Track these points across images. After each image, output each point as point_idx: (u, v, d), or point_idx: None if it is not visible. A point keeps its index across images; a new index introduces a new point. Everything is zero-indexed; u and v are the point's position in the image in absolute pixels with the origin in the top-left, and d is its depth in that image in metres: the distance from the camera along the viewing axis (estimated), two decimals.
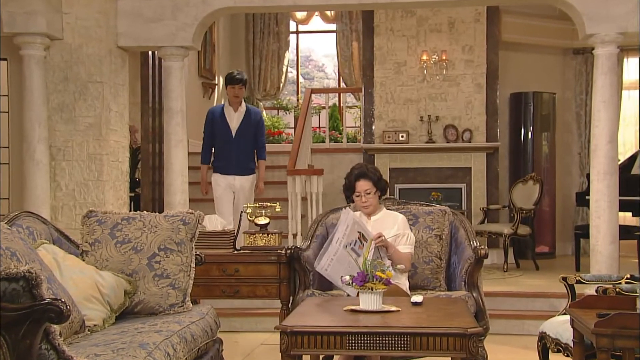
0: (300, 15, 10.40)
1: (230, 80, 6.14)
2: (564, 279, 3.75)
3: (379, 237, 3.80)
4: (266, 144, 6.39)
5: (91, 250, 3.44)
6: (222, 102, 6.09)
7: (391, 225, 3.98)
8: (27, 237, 3.21)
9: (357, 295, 3.27)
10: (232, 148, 6.12)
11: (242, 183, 6.16)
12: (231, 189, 6.17)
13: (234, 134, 6.13)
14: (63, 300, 2.21)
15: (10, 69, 5.33)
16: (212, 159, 6.26)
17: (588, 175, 5.82)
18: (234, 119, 6.16)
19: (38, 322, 2.18)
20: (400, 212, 4.17)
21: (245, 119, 6.16)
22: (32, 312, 2.16)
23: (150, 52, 6.65)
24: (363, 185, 3.99)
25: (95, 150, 5.32)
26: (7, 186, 5.33)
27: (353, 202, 4.12)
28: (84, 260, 3.38)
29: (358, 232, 3.77)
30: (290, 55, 10.66)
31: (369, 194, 3.99)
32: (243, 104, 6.23)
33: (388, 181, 4.64)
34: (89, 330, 3.00)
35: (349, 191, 4.07)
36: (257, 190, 6.26)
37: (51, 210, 5.18)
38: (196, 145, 7.23)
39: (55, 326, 2.30)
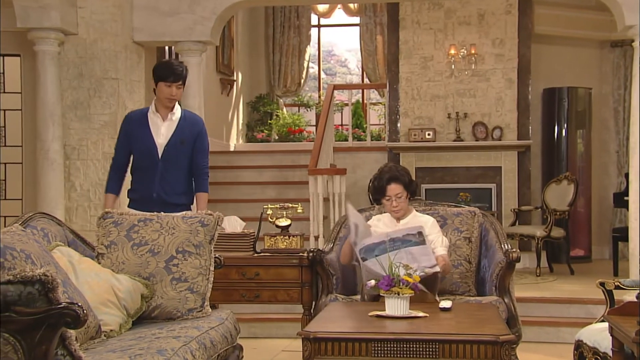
0: (322, 8, 10.28)
1: (167, 73, 4.07)
2: (602, 284, 3.63)
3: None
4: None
5: (107, 252, 3.40)
6: (149, 106, 4.27)
7: None
8: (41, 239, 3.16)
9: (379, 296, 3.20)
10: (155, 173, 4.14)
11: None
12: None
13: (160, 153, 4.14)
14: (79, 304, 2.18)
15: (23, 65, 5.34)
16: (130, 186, 4.33)
17: (627, 175, 5.77)
18: (162, 131, 4.15)
19: (54, 327, 2.15)
20: (427, 214, 4.11)
21: (179, 131, 4.15)
22: (48, 316, 2.14)
23: (166, 47, 6.60)
24: (394, 189, 3.89)
25: (111, 149, 5.21)
26: (21, 186, 5.30)
27: (380, 204, 4.05)
28: (99, 263, 3.35)
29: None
30: (311, 49, 10.55)
31: (400, 197, 3.90)
32: (178, 108, 4.22)
33: None
34: (105, 335, 2.97)
35: (379, 194, 3.96)
36: None
37: (65, 211, 5.21)
38: (214, 143, 7.09)
39: (71, 331, 2.27)
